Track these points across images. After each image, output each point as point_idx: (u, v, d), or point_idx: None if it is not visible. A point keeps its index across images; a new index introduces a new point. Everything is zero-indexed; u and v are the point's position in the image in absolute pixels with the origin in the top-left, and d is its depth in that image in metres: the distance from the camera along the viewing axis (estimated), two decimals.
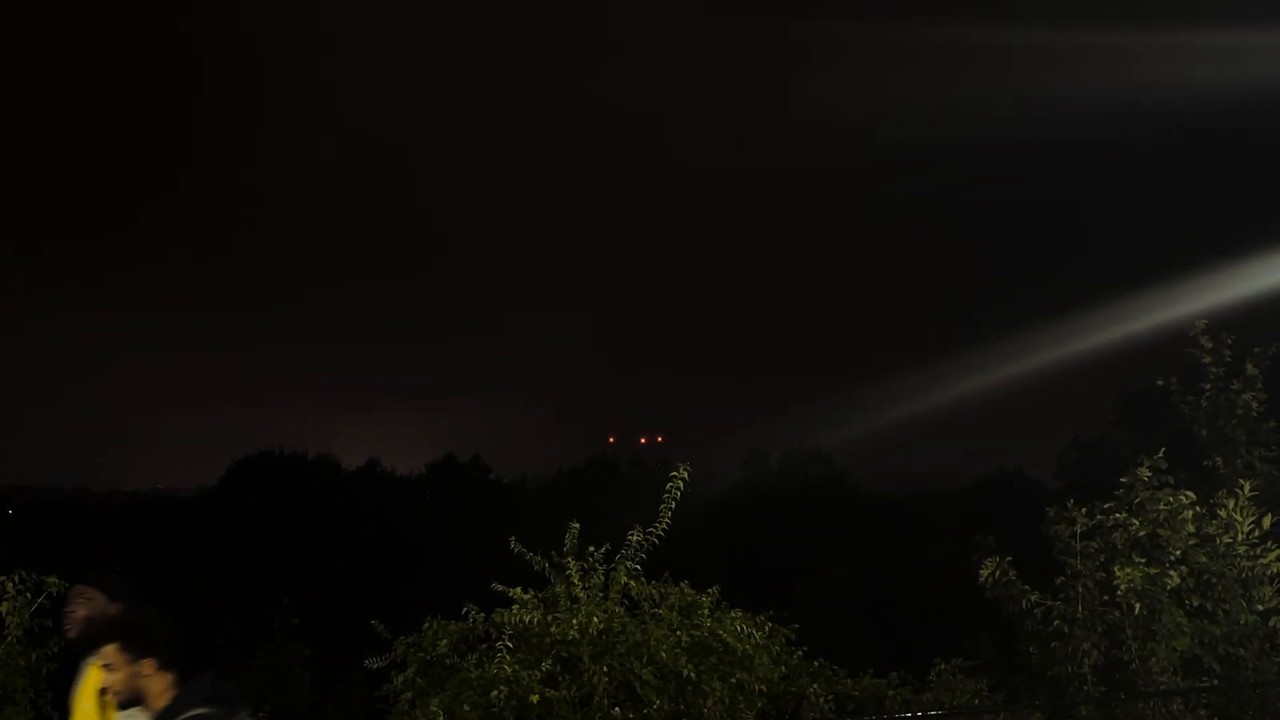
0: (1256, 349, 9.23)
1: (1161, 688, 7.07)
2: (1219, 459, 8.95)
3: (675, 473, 7.09)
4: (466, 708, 5.71)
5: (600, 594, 6.62)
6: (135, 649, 3.64)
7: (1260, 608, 7.38)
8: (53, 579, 6.08)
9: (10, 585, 5.92)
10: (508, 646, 6.02)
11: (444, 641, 6.35)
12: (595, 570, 6.77)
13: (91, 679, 4.40)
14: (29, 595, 5.96)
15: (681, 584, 7.01)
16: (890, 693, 7.73)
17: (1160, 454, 7.96)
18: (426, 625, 6.62)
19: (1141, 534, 7.66)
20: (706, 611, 6.72)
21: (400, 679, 6.29)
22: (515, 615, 6.27)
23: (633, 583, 6.74)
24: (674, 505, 7.03)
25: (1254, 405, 8.97)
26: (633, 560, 6.81)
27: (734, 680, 6.29)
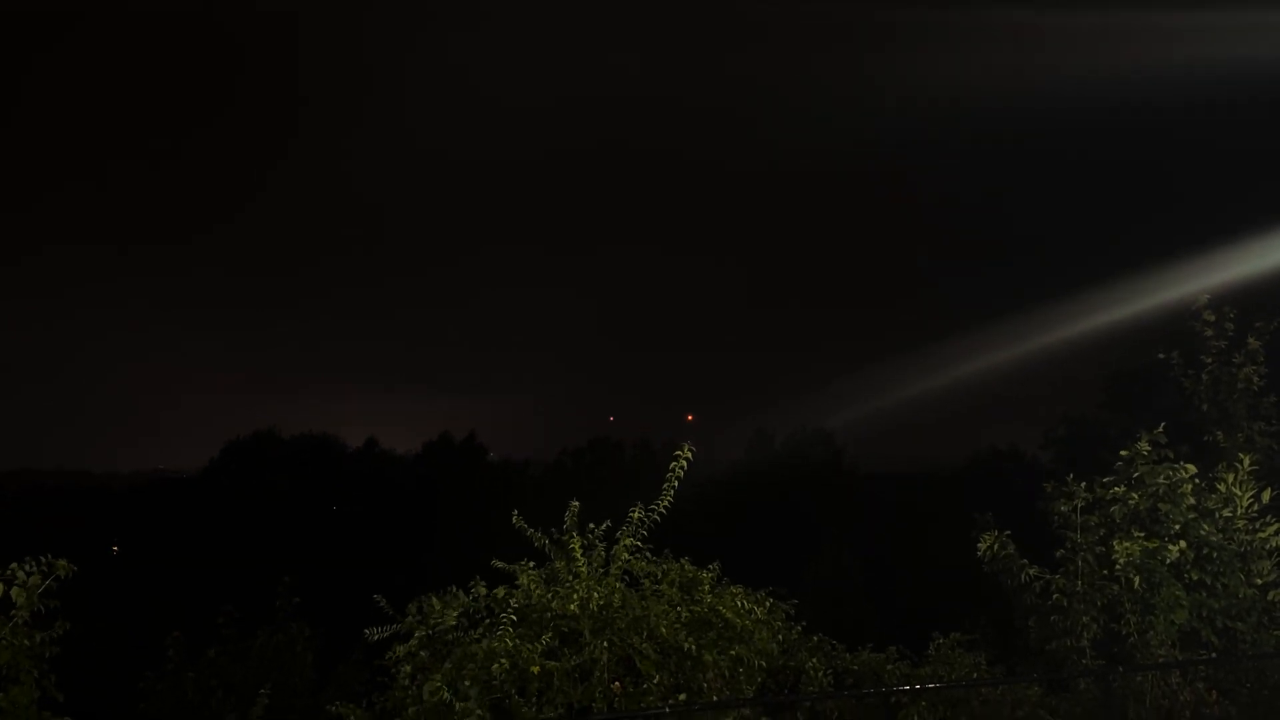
0: (1258, 324, 9.21)
1: (1160, 661, 7.09)
2: (1219, 433, 8.95)
3: (679, 453, 7.07)
4: (468, 682, 5.72)
5: (601, 570, 6.64)
6: None
7: (1259, 581, 7.39)
8: (62, 563, 6.11)
9: (20, 571, 5.94)
10: (512, 620, 6.03)
11: (453, 613, 6.35)
12: (596, 547, 6.78)
13: None
14: (39, 578, 5.98)
15: (682, 560, 7.02)
16: (889, 667, 7.76)
17: (1160, 428, 7.94)
18: (434, 598, 6.62)
19: (1141, 508, 7.66)
20: (707, 588, 6.74)
21: (403, 649, 6.28)
22: (523, 582, 6.30)
23: (633, 559, 6.75)
24: (677, 485, 7.01)
25: (1255, 379, 8.97)
26: (634, 538, 6.81)
27: (733, 654, 6.31)
